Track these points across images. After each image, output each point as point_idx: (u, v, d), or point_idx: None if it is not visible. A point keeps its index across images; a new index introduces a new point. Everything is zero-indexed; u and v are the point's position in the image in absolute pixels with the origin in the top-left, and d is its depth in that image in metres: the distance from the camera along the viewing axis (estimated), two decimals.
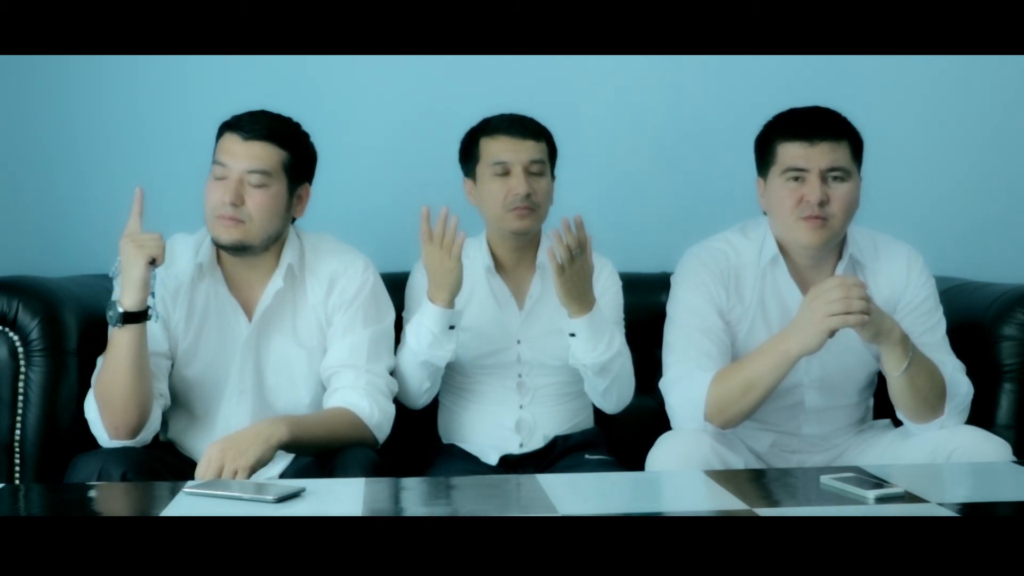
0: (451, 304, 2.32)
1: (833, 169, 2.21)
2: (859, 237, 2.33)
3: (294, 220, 2.37)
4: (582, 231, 2.25)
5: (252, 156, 2.22)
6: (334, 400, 2.27)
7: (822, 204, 2.19)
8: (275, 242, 2.30)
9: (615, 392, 2.43)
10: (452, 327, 2.35)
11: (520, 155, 2.42)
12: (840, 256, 2.31)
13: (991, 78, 3.03)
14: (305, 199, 2.34)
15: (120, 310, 2.12)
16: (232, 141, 2.24)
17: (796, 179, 2.21)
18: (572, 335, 2.36)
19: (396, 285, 2.50)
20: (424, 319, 2.33)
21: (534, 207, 2.42)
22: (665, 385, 2.30)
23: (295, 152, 2.28)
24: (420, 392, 2.44)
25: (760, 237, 2.33)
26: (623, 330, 2.49)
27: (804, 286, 2.28)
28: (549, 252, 2.27)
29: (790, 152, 2.22)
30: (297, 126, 2.33)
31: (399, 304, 2.46)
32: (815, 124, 2.23)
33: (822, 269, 2.31)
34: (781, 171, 2.23)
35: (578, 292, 2.31)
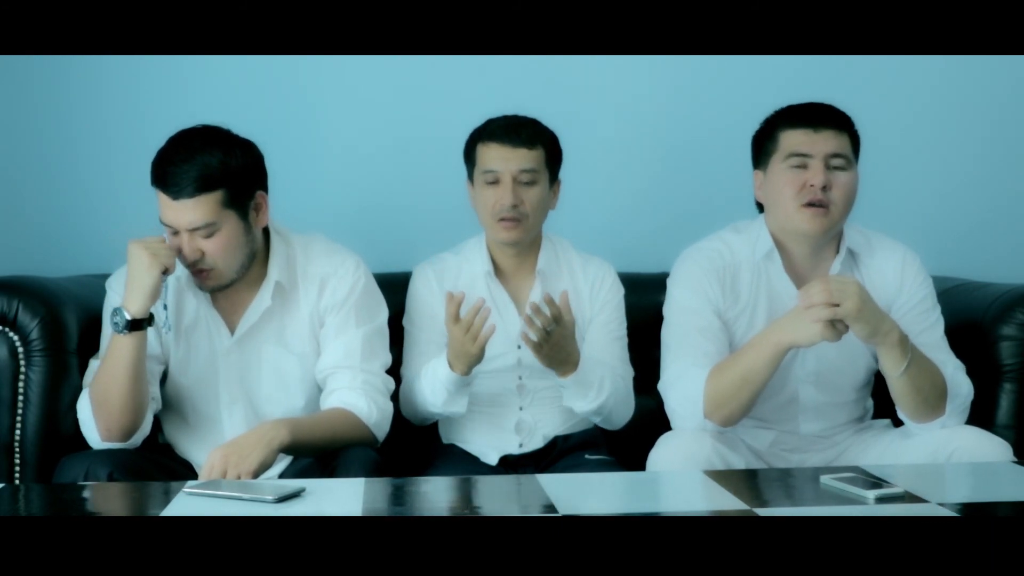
0: (469, 372, 2.31)
1: (836, 155, 2.24)
2: (854, 233, 2.34)
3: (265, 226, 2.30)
4: (554, 306, 2.22)
5: (188, 213, 2.13)
6: (331, 401, 2.27)
7: (825, 189, 2.21)
8: (253, 259, 2.26)
9: (610, 421, 2.45)
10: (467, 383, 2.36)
11: (510, 164, 2.39)
12: (837, 251, 2.31)
13: (991, 78, 3.03)
14: (264, 206, 2.24)
15: (127, 317, 2.11)
16: (164, 201, 2.14)
17: (799, 166, 2.24)
18: (562, 386, 2.37)
19: (391, 285, 2.48)
20: (439, 377, 2.32)
21: (521, 218, 2.39)
22: (663, 386, 2.30)
23: (231, 183, 2.15)
24: (427, 421, 2.49)
25: (754, 234, 2.34)
26: (625, 344, 2.49)
27: (799, 281, 2.29)
28: (523, 336, 2.26)
29: (794, 139, 2.26)
30: (226, 146, 2.17)
31: (393, 303, 2.45)
32: (819, 114, 2.28)
33: (819, 263, 2.31)
34: (784, 157, 2.26)
35: (560, 359, 2.30)
